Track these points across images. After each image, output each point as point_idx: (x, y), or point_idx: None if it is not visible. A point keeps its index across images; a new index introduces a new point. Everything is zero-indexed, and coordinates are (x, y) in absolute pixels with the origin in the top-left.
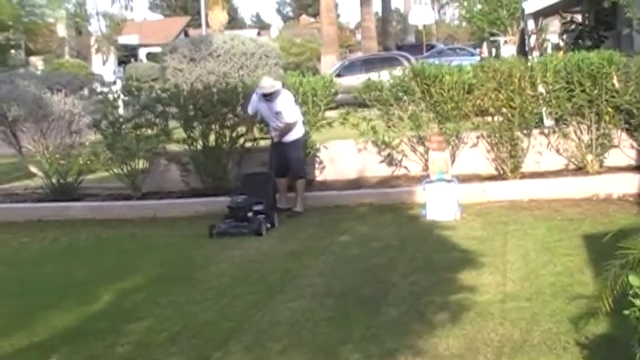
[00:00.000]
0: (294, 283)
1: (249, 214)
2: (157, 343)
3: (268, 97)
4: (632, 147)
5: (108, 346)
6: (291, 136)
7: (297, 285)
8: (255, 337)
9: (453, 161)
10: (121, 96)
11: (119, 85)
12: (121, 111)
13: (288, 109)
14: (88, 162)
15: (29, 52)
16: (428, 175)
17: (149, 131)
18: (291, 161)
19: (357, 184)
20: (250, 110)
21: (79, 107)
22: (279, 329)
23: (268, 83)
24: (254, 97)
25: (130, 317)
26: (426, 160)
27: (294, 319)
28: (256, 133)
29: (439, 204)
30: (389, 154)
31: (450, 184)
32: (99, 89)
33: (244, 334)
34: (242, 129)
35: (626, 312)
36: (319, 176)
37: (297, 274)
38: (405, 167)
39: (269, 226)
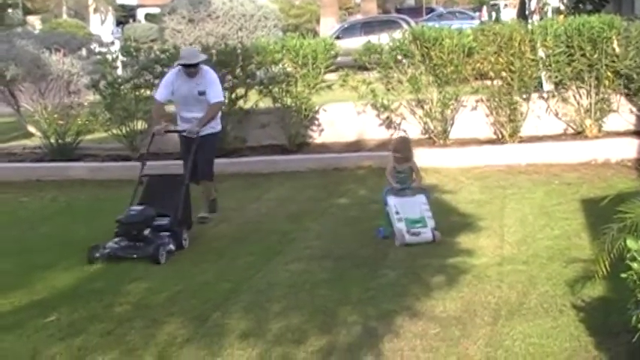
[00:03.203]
0: (293, 245)
1: (147, 231)
2: (156, 304)
3: (190, 70)
4: (631, 112)
5: (107, 305)
6: (211, 129)
7: (296, 247)
8: (253, 297)
9: (452, 124)
10: (120, 57)
11: (117, 45)
12: (119, 72)
13: (216, 87)
14: (87, 122)
15: (27, 11)
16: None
17: (148, 92)
18: (201, 161)
19: (356, 146)
20: (162, 96)
21: (78, 67)
22: (278, 290)
23: (193, 53)
24: (169, 76)
25: (128, 278)
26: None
27: (292, 280)
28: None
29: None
30: (388, 117)
31: (419, 197)
32: (97, 49)
33: (243, 294)
34: (240, 91)
35: (624, 275)
36: (318, 139)
37: (295, 236)
38: (404, 130)
39: (173, 248)
